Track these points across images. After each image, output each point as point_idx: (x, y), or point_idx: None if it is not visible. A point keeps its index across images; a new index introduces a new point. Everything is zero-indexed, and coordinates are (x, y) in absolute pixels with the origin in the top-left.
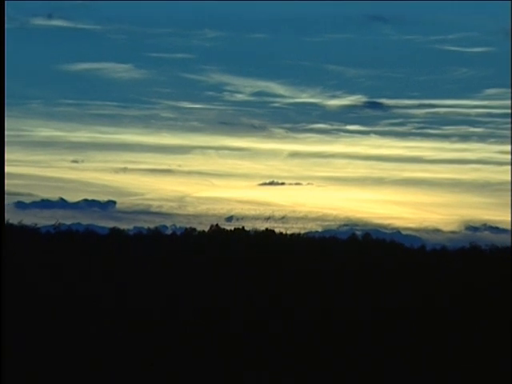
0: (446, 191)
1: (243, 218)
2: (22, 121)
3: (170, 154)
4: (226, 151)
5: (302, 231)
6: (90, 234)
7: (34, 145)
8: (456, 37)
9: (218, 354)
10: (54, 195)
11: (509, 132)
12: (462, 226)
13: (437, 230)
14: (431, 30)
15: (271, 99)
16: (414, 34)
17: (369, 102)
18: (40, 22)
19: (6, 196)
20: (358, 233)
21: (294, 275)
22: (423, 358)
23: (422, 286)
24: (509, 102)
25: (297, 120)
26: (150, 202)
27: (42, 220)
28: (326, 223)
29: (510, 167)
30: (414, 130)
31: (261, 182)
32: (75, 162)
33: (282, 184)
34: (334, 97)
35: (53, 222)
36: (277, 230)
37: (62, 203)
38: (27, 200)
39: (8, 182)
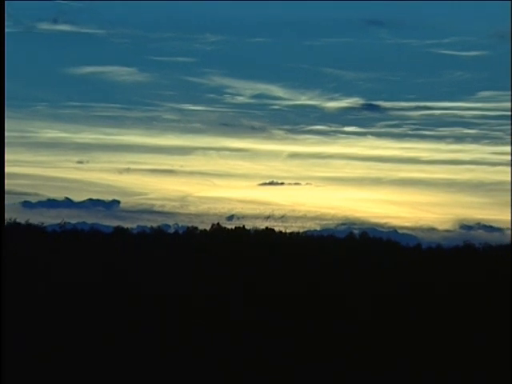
0: (441, 191)
1: (244, 217)
2: (28, 122)
3: (173, 155)
4: (227, 152)
5: (301, 230)
6: (94, 232)
7: (40, 146)
8: (451, 41)
9: (218, 354)
10: (59, 195)
11: (502, 133)
12: (457, 225)
13: (432, 229)
14: (427, 35)
15: (271, 101)
16: (411, 38)
17: (366, 105)
18: (46, 26)
19: (13, 196)
20: (356, 231)
21: (293, 273)
22: (419, 356)
23: (418, 283)
24: (502, 104)
25: (296, 122)
26: (153, 202)
27: (49, 219)
28: (325, 222)
29: (509, 168)
30: (410, 132)
31: (261, 182)
32: (80, 162)
33: (282, 184)
34: (332, 99)
35: (59, 221)
36: (276, 229)
37: (68, 203)
38: (34, 200)
39: (15, 182)
